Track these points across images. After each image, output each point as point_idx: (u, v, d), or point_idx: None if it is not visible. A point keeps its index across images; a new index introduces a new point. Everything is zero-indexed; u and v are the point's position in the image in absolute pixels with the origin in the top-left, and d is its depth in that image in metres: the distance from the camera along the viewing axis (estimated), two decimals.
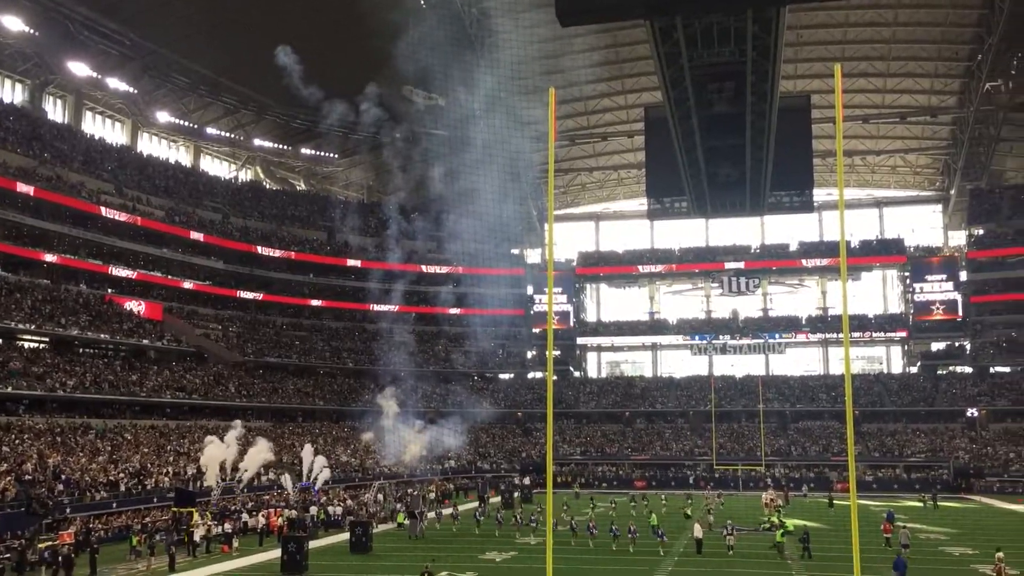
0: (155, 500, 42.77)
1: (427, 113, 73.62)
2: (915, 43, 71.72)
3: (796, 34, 68.40)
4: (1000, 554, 26.43)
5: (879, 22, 69.50)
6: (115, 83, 69.49)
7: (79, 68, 66.47)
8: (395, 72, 62.06)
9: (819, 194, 75.01)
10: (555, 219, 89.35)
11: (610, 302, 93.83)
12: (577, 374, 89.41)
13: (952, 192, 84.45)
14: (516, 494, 54.58)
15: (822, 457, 68.93)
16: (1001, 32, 62.85)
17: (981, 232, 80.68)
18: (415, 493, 51.53)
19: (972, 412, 71.94)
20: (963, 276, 79.98)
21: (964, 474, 63.39)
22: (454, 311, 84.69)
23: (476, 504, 49.57)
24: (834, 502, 53.45)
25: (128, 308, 62.96)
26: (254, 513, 41.22)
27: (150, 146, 78.20)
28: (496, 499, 53.81)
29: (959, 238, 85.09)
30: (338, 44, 63.48)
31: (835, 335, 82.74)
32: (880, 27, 70.13)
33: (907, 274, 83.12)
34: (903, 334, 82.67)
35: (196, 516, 37.40)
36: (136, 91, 71.58)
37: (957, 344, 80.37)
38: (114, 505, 40.84)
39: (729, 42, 28.71)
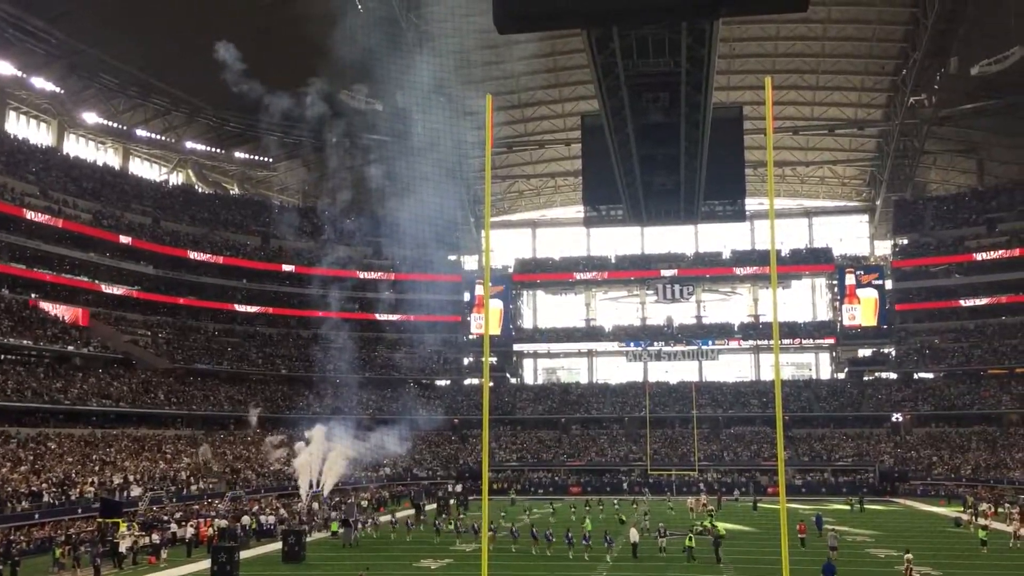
0: (80, 511, 41.62)
1: (364, 117, 73.09)
2: (843, 57, 73.65)
3: (729, 46, 69.72)
4: (909, 555, 27.26)
5: (809, 36, 71.18)
6: (41, 83, 67.50)
7: (3, 67, 64.41)
8: (332, 75, 61.57)
9: (751, 203, 76.19)
10: (492, 226, 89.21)
11: (547, 309, 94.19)
12: (514, 380, 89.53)
13: (878, 203, 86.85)
14: (452, 501, 54.45)
15: (753, 462, 70.09)
16: (925, 48, 64.87)
17: (905, 242, 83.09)
18: (349, 501, 51.10)
19: (896, 417, 73.95)
20: (888, 284, 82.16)
21: (889, 478, 65.09)
22: (391, 317, 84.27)
23: (411, 512, 49.24)
24: (758, 505, 54.54)
25: (53, 313, 61.22)
26: (183, 523, 40.35)
27: (77, 147, 76.15)
28: (432, 506, 53.53)
29: (885, 247, 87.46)
30: (274, 47, 62.67)
31: (766, 342, 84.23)
32: (810, 41, 71.83)
33: (835, 282, 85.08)
34: (831, 341, 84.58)
35: (122, 527, 36.52)
36: (63, 91, 69.62)
37: (883, 351, 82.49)
38: (37, 516, 39.66)
39: (664, 53, 29.07)
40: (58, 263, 63.74)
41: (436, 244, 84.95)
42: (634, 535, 34.89)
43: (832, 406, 77.22)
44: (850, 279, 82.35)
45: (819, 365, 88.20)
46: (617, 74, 30.58)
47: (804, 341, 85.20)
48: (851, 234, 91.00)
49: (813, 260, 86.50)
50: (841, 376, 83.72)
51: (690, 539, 33.82)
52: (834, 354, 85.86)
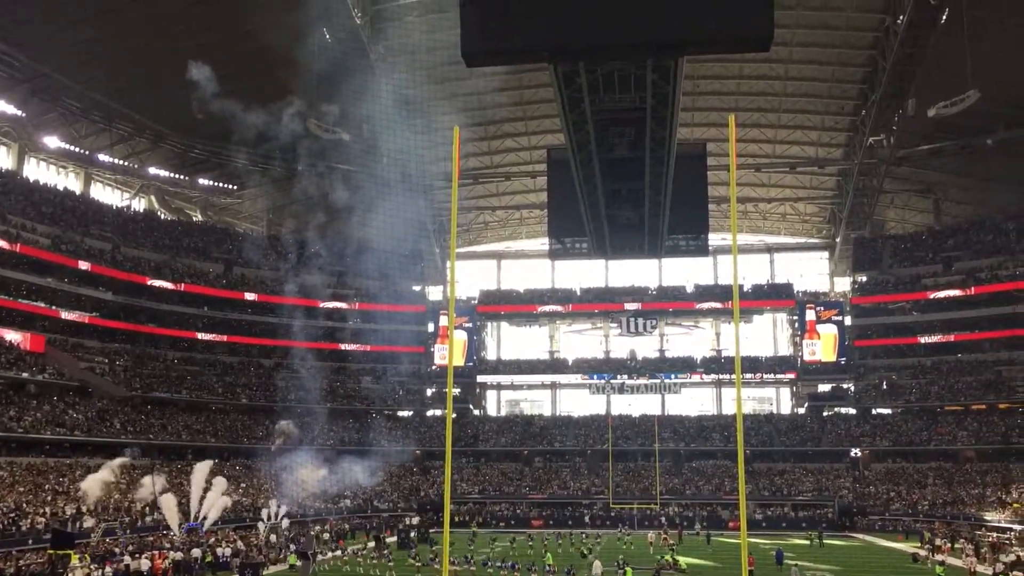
0: (30, 542, 40.63)
1: (330, 146, 72.97)
2: (804, 97, 75.04)
3: (694, 83, 70.75)
4: None
5: (771, 76, 72.48)
6: (1, 105, 66.63)
7: None
8: (298, 104, 61.50)
9: (714, 239, 76.70)
10: (458, 256, 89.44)
11: (511, 341, 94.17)
12: (477, 412, 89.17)
13: (838, 240, 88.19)
14: (412, 533, 53.91)
15: (715, 496, 70.26)
16: (883, 89, 66.31)
17: (864, 279, 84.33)
18: (309, 533, 50.38)
19: (855, 452, 74.62)
20: (847, 321, 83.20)
21: (848, 512, 65.51)
22: (354, 347, 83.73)
23: (370, 544, 48.62)
24: (711, 539, 54.58)
25: (8, 340, 60.03)
26: (137, 555, 39.47)
27: (37, 171, 75.11)
28: (393, 539, 52.93)
29: (844, 284, 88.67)
30: (239, 76, 62.52)
31: (728, 376, 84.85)
32: (772, 80, 73.13)
33: (795, 318, 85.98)
34: (792, 376, 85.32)
35: (74, 559, 35.66)
36: (24, 114, 68.78)
37: (843, 386, 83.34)
38: None
39: (630, 89, 29.41)
40: (15, 288, 62.58)
41: (401, 274, 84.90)
42: (597, 568, 34.77)
43: (792, 440, 77.75)
44: (810, 315, 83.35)
45: (780, 400, 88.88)
46: (583, 109, 30.87)
47: (765, 376, 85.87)
48: (812, 270, 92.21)
49: (775, 295, 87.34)
50: (801, 411, 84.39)
51: (632, 571, 34.01)
52: (795, 389, 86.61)
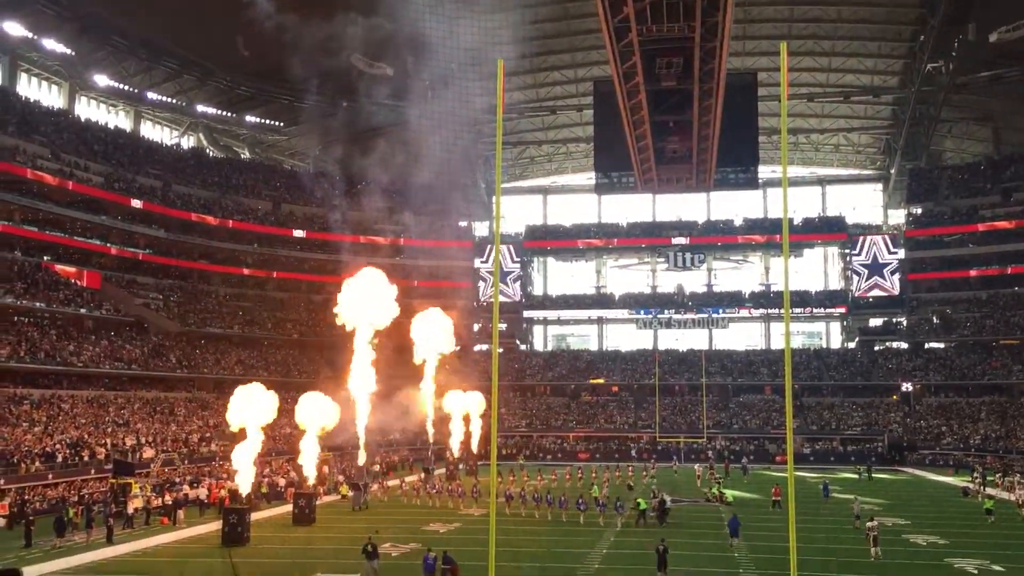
0: (92, 471, 42.11)
1: (374, 82, 72.62)
2: (860, 23, 72.60)
3: (744, 11, 68.78)
4: (872, 523, 27.54)
5: (825, 1, 70.19)
6: (52, 44, 67.25)
7: (13, 28, 64.22)
8: (343, 39, 61.14)
9: (764, 171, 76.25)
10: (503, 192, 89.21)
11: (557, 276, 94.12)
12: (523, 347, 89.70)
13: (892, 171, 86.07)
14: (460, 465, 54.86)
15: (762, 430, 70.29)
16: (943, 14, 63.93)
17: (919, 211, 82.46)
18: (359, 465, 51.48)
19: (906, 387, 73.82)
20: (901, 254, 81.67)
21: (898, 447, 65.21)
22: (401, 282, 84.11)
23: (420, 475, 49.60)
24: (748, 471, 54.69)
25: (65, 276, 61.49)
26: (195, 484, 40.80)
27: (88, 110, 76.03)
28: (441, 471, 53.93)
29: (898, 217, 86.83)
30: (284, 8, 62.15)
31: (777, 311, 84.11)
32: (826, 6, 70.83)
33: (848, 251, 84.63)
34: (842, 310, 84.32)
35: (135, 487, 36.94)
36: (74, 53, 69.34)
37: (894, 320, 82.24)
38: (50, 476, 40.14)
39: (678, 18, 28.79)
40: (70, 226, 63.87)
41: (447, 209, 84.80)
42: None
43: (842, 375, 77.18)
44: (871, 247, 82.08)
45: (830, 334, 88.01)
46: (630, 39, 30.30)
47: (815, 310, 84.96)
48: (864, 202, 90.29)
49: (826, 229, 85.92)
50: (852, 345, 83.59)
51: (641, 503, 34.41)
52: (845, 323, 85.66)
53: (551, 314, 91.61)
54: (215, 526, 31.96)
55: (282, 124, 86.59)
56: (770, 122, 76.69)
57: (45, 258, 61.57)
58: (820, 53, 76.19)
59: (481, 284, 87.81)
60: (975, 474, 49.14)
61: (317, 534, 32.49)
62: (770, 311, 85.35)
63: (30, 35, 65.46)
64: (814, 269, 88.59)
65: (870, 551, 26.54)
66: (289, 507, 36.68)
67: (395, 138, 73.31)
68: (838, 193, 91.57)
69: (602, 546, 29.39)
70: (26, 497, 35.63)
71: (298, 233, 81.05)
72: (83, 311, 59.43)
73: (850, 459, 63.64)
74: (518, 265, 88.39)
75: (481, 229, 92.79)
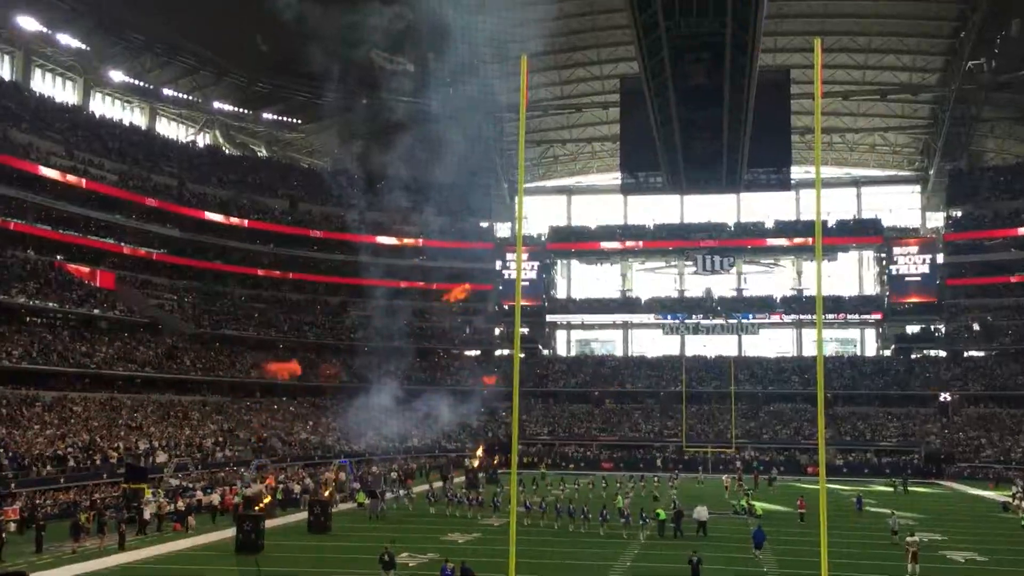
0: (104, 476, 42.47)
1: (394, 79, 72.93)
2: (898, 18, 72.07)
3: (776, 6, 68.46)
4: (912, 538, 27.25)
5: None
6: (66, 39, 68.08)
7: (28, 22, 65.01)
8: (362, 33, 61.41)
9: (796, 171, 75.70)
10: (526, 192, 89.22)
11: (581, 279, 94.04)
12: (546, 352, 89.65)
13: (931, 172, 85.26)
14: (481, 474, 54.86)
15: (793, 440, 69.82)
16: (985, 9, 63.34)
17: (959, 214, 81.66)
18: (376, 472, 51.64)
19: (945, 397, 73.03)
20: (940, 258, 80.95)
21: (935, 459, 64.46)
22: (420, 285, 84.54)
23: (438, 484, 49.65)
24: (774, 482, 54.27)
25: (78, 276, 62.10)
26: (209, 490, 41.06)
27: (103, 107, 76.83)
28: (460, 479, 53.92)
29: (937, 220, 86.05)
30: (304, 5, 62.55)
31: (809, 316, 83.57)
32: (863, 1, 70.36)
33: (883, 255, 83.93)
34: (878, 316, 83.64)
35: (147, 493, 37.21)
36: (88, 48, 70.16)
37: (932, 328, 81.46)
38: (62, 480, 40.52)
39: (708, 12, 28.70)
40: (84, 225, 64.52)
41: (468, 210, 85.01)
42: (702, 513, 34.71)
43: (877, 384, 76.55)
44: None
45: (864, 341, 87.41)
46: (659, 34, 30.23)
47: (849, 316, 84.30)
48: (901, 205, 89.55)
49: (861, 232, 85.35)
50: (887, 353, 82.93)
51: (662, 513, 34.35)
52: (880, 330, 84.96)
53: (575, 318, 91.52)
54: (228, 533, 32.15)
55: (300, 121, 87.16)
56: (803, 121, 76.21)
57: (58, 257, 62.27)
58: (856, 49, 75.69)
59: (502, 287, 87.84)
60: (1016, 488, 48.56)
61: (333, 542, 32.60)
62: (802, 317, 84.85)
63: (44, 30, 66.28)
64: (848, 273, 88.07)
65: (907, 567, 26.24)
66: (304, 514, 36.81)
67: (415, 136, 73.46)
68: (874, 195, 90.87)
69: (626, 559, 29.30)
70: (37, 501, 35.98)
71: (315, 233, 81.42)
72: (96, 312, 60.03)
73: (885, 471, 62.98)
74: (541, 267, 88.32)
75: (503, 230, 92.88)
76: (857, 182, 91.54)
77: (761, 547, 28.52)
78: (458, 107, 73.02)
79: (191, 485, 42.49)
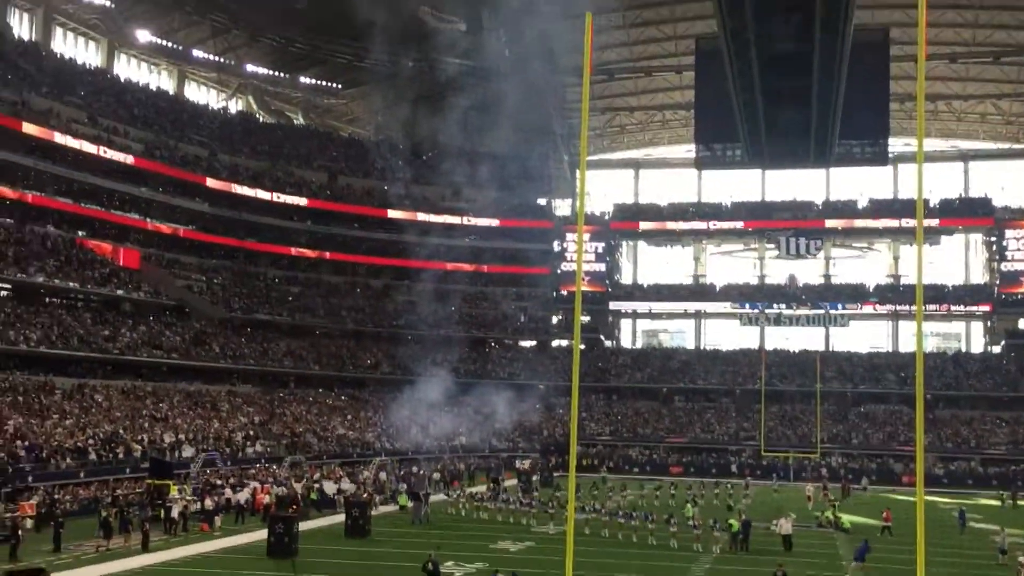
0: (128, 470, 43.39)
1: (444, 39, 73.01)
2: None
3: None
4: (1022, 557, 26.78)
5: None
6: None
7: None
8: None
9: (895, 144, 74.06)
10: (589, 165, 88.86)
11: (649, 262, 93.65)
12: (609, 344, 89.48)
13: None
14: (535, 477, 55.08)
15: (886, 446, 68.95)
16: None
17: None
18: (420, 472, 52.04)
19: None
20: None
21: None
22: (471, 267, 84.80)
23: (487, 487, 49.92)
24: (853, 493, 53.54)
25: (101, 254, 63.36)
26: (238, 488, 41.74)
27: (128, 69, 78.24)
28: (511, 482, 54.18)
29: None
30: None
31: (907, 307, 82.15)
32: None
33: (993, 239, 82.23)
34: (986, 308, 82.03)
35: (173, 490, 37.94)
36: (113, 5, 71.37)
37: None
38: (82, 474, 41.47)
39: None
40: (107, 199, 65.77)
41: (524, 186, 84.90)
42: (786, 526, 34.49)
43: (984, 384, 75.23)
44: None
45: (970, 336, 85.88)
46: None
47: (953, 307, 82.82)
48: (1016, 182, 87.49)
49: (968, 212, 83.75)
50: (996, 350, 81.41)
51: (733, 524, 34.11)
52: (989, 323, 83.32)
53: (641, 306, 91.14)
54: (258, 535, 32.68)
55: (340, 86, 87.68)
56: (904, 87, 74.70)
57: (80, 233, 63.60)
58: (965, 5, 73.85)
59: (561, 270, 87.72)
60: None
61: (372, 548, 32.95)
62: (899, 308, 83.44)
63: None
64: (953, 259, 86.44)
65: None
66: (341, 517, 37.27)
67: (466, 103, 73.55)
68: (984, 170, 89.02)
69: (697, 572, 29.21)
70: (56, 497, 36.88)
71: (356, 210, 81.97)
72: (120, 292, 61.16)
73: (991, 483, 61.93)
74: (604, 249, 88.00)
75: (563, 208, 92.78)
76: (965, 156, 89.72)
77: (862, 561, 28.25)
78: (514, 70, 72.83)
79: (219, 482, 43.25)
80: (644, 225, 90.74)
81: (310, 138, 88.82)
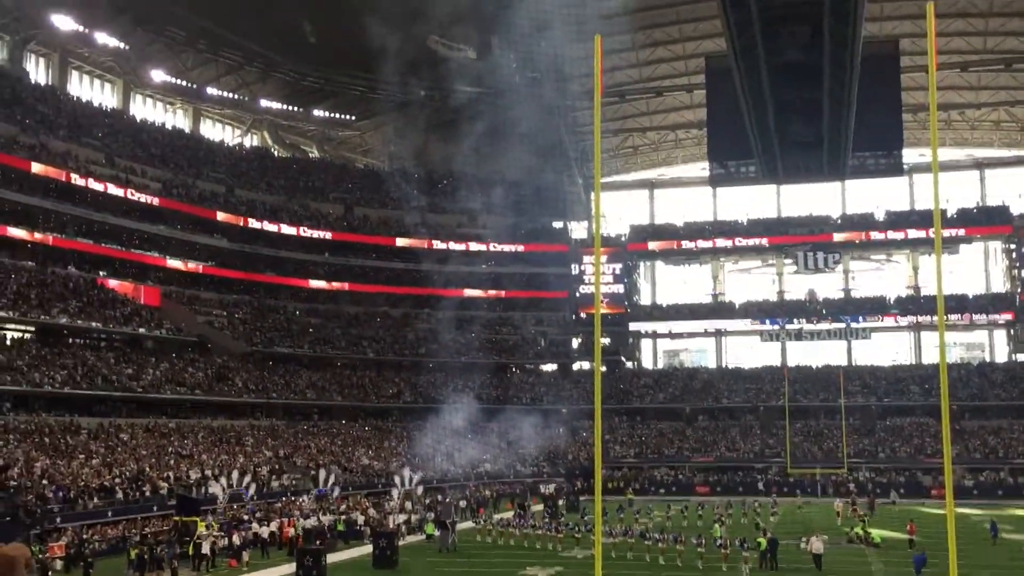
0: (155, 508, 43.46)
1: (456, 68, 73.46)
2: None
3: None
4: None
5: None
6: (104, 38, 70.15)
7: (63, 21, 67.19)
8: (419, 20, 61.98)
9: (909, 155, 73.88)
10: (603, 187, 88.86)
11: (667, 282, 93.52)
12: (630, 365, 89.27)
13: None
14: (561, 501, 54.87)
15: (914, 459, 68.38)
16: None
17: None
18: (446, 500, 51.93)
19: None
20: None
21: None
22: (489, 293, 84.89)
23: (513, 513, 49.76)
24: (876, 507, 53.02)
25: (122, 293, 63.79)
26: (264, 522, 41.73)
27: (144, 109, 79.05)
28: (538, 507, 53.99)
29: None
30: None
31: (929, 318, 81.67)
32: None
33: (1013, 247, 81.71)
34: (1009, 316, 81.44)
35: (201, 526, 37.96)
36: (127, 47, 72.21)
37: None
38: (110, 514, 41.56)
39: None
40: (126, 238, 66.30)
41: (539, 210, 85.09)
42: (817, 545, 34.11)
43: (1010, 394, 74.59)
44: None
45: (994, 345, 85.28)
46: (748, 6, 29.94)
47: (975, 317, 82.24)
48: None
49: (986, 221, 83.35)
50: (1021, 358, 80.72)
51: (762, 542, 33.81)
52: (1012, 332, 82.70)
53: (661, 326, 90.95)
54: (285, 568, 32.66)
55: (353, 118, 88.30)
56: (916, 97, 74.62)
57: (100, 273, 64.09)
58: (975, 13, 73.84)
59: (579, 293, 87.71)
60: None
61: None
62: (920, 319, 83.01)
63: (81, 28, 68.37)
64: (973, 269, 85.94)
65: None
66: (368, 548, 37.20)
67: (479, 130, 73.90)
68: (1000, 178, 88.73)
69: None
70: (84, 537, 36.98)
71: (373, 240, 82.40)
72: (142, 331, 61.54)
73: (1022, 492, 61.35)
74: (621, 270, 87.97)
75: (579, 231, 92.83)
76: (980, 164, 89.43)
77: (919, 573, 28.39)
78: (526, 95, 73.17)
79: (246, 517, 43.25)
80: (661, 245, 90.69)
81: (325, 170, 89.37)
